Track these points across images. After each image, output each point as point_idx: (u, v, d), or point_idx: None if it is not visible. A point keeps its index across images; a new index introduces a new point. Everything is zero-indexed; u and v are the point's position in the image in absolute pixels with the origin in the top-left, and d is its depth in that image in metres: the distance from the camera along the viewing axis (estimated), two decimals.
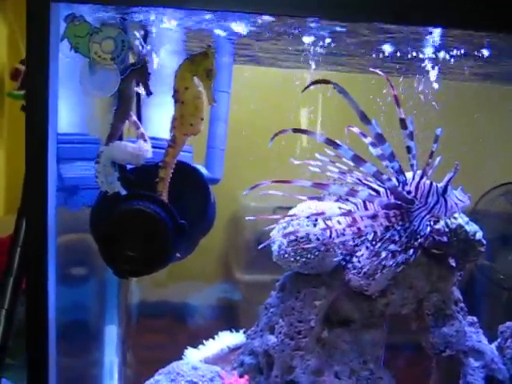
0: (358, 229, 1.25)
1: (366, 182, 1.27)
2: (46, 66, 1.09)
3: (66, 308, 1.72)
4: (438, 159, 1.27)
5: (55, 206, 1.28)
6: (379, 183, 1.25)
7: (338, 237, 1.27)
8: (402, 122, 1.21)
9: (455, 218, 1.46)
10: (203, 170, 1.77)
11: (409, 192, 1.26)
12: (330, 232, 1.28)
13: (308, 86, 1.10)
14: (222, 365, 1.63)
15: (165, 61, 1.60)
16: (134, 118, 1.25)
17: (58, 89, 1.33)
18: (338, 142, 1.16)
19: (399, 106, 1.19)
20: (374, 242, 1.25)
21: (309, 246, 1.34)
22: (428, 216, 1.27)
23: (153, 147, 1.67)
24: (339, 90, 1.08)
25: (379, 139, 1.19)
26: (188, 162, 1.72)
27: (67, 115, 1.61)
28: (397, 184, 1.26)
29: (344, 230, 1.26)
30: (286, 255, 1.45)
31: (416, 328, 1.52)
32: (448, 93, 1.66)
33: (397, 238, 1.24)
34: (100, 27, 1.11)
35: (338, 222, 1.27)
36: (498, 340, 1.57)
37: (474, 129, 1.94)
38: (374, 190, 1.27)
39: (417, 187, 1.26)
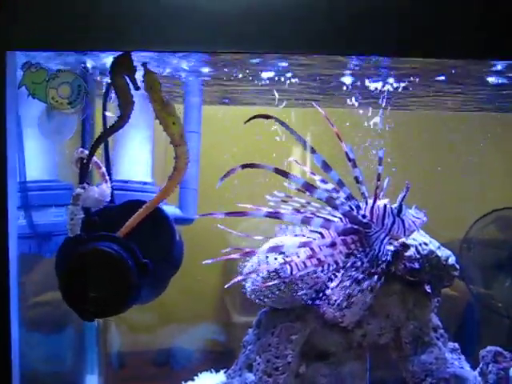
0: (319, 260, 1.25)
1: (321, 214, 1.28)
2: (3, 114, 1.10)
3: (40, 358, 1.71)
4: (386, 180, 1.28)
5: (17, 253, 1.29)
6: (333, 210, 1.26)
7: (299, 270, 1.27)
8: (346, 154, 1.23)
9: (426, 244, 1.46)
10: (176, 211, 1.79)
11: (364, 216, 1.27)
12: (291, 267, 1.27)
13: (249, 120, 1.11)
14: None
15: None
16: (95, 158, 1.26)
17: (21, 136, 1.37)
18: (286, 171, 1.16)
19: (341, 140, 1.21)
20: (335, 272, 1.25)
21: (270, 284, 1.34)
22: (387, 238, 1.27)
23: (126, 190, 1.70)
24: (281, 123, 1.10)
25: (325, 167, 1.20)
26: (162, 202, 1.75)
27: (38, 162, 1.64)
28: (348, 209, 1.26)
29: (304, 262, 1.25)
30: (258, 292, 1.44)
31: (396, 357, 1.49)
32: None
33: (359, 264, 1.24)
34: (56, 73, 1.14)
35: (298, 256, 1.26)
36: (480, 365, 1.54)
37: None
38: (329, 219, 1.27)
39: (371, 211, 1.27)
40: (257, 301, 1.49)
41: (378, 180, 1.25)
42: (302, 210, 1.28)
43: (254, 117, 1.09)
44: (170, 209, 1.77)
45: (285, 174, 1.16)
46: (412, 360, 1.45)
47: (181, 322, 2.06)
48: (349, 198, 1.25)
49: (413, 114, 1.98)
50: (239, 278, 1.25)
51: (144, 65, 1.11)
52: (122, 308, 1.13)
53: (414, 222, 1.27)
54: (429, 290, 1.50)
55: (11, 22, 1.10)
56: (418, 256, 1.44)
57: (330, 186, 1.27)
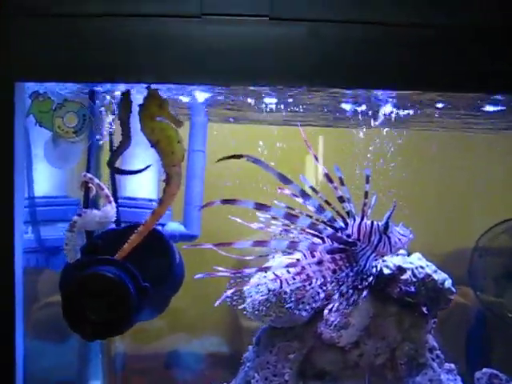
0: (307, 275, 1.28)
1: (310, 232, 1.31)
2: (12, 138, 1.15)
3: (46, 366, 1.76)
4: (373, 198, 1.31)
5: (26, 266, 1.34)
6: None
7: (288, 285, 1.30)
8: (327, 176, 1.27)
9: (423, 268, 1.49)
10: (181, 228, 1.83)
11: (348, 235, 1.29)
12: (280, 282, 1.30)
13: (221, 159, 1.13)
14: None
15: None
16: (97, 180, 1.31)
17: (30, 153, 1.42)
18: (267, 204, 1.19)
19: (319, 162, 1.26)
20: (324, 287, 1.28)
21: (262, 297, 1.37)
22: (373, 254, 1.30)
23: (132, 207, 1.74)
24: (253, 160, 1.13)
25: (304, 196, 1.23)
26: (167, 219, 1.80)
27: (47, 179, 1.68)
28: (333, 231, 1.29)
29: (294, 278, 1.28)
30: (257, 311, 1.47)
31: (391, 378, 1.52)
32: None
33: (345, 279, 1.27)
34: (63, 102, 1.18)
35: (288, 272, 1.30)
36: None
37: None
38: (320, 237, 1.31)
39: (359, 229, 1.30)
40: (256, 319, 1.52)
41: (366, 198, 1.28)
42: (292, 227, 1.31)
43: (226, 157, 1.12)
44: (175, 225, 1.82)
45: (265, 208, 1.18)
46: (407, 381, 1.48)
47: (190, 327, 2.09)
48: (331, 220, 1.28)
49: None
50: (228, 292, 1.28)
51: (148, 87, 1.15)
52: (122, 330, 1.17)
53: (400, 240, 1.30)
54: (426, 312, 1.52)
55: (20, 55, 1.14)
56: (414, 279, 1.46)
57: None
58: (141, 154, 1.72)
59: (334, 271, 1.29)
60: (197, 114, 1.80)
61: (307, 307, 1.40)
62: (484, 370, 1.58)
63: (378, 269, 1.37)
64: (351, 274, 1.27)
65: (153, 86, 1.19)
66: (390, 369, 1.52)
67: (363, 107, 1.52)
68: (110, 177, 1.50)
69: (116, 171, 1.29)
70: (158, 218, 1.21)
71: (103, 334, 1.17)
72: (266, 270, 1.29)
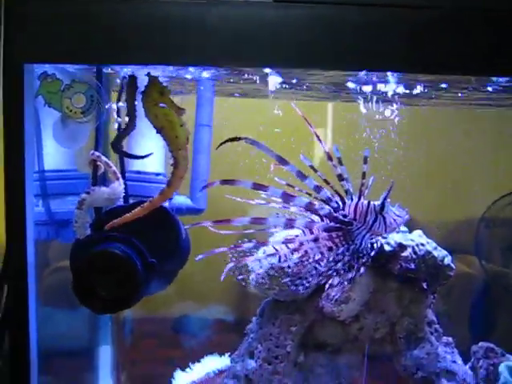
0: (305, 252, 1.31)
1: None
2: (22, 118, 1.19)
3: (57, 332, 1.82)
4: (371, 179, 1.33)
5: (37, 239, 1.39)
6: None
7: (286, 260, 1.33)
8: (327, 154, 1.29)
9: (423, 245, 1.52)
10: (187, 201, 1.87)
11: (345, 215, 1.32)
12: (279, 256, 1.34)
13: (220, 145, 1.15)
14: None
15: None
16: (105, 158, 1.34)
17: (40, 129, 1.45)
18: (265, 184, 1.21)
19: (320, 141, 1.27)
20: (320, 263, 1.31)
21: (263, 271, 1.41)
22: (368, 234, 1.33)
23: (139, 181, 1.78)
24: (251, 142, 1.14)
25: (300, 176, 1.25)
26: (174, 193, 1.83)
27: (57, 153, 1.72)
28: (329, 210, 1.31)
29: (292, 253, 1.31)
30: (260, 284, 1.51)
31: (391, 351, 1.57)
32: None
33: (341, 257, 1.30)
34: (71, 83, 1.21)
35: (287, 247, 1.32)
36: (472, 360, 1.61)
37: None
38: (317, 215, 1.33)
39: (355, 208, 1.32)
40: (260, 292, 1.57)
41: (363, 178, 1.31)
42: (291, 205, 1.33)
43: (225, 141, 1.14)
44: (181, 199, 1.86)
45: (263, 188, 1.21)
46: (405, 354, 1.53)
47: (198, 292, 2.15)
48: (327, 200, 1.30)
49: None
50: (228, 266, 1.30)
51: (148, 74, 1.17)
52: (130, 304, 1.22)
53: (395, 220, 1.32)
54: (425, 288, 1.56)
55: (28, 36, 1.16)
56: (414, 256, 1.50)
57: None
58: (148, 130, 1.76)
59: (331, 249, 1.32)
60: (202, 88, 1.82)
61: (304, 282, 1.43)
62: (480, 343, 1.62)
63: (378, 245, 1.39)
64: (347, 252, 1.30)
65: (153, 73, 1.21)
66: (389, 342, 1.57)
67: (369, 87, 1.53)
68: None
69: (120, 153, 1.32)
70: (165, 199, 1.25)
71: (112, 309, 1.22)
72: (263, 245, 1.31)
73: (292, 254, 1.31)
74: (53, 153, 1.68)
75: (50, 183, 1.70)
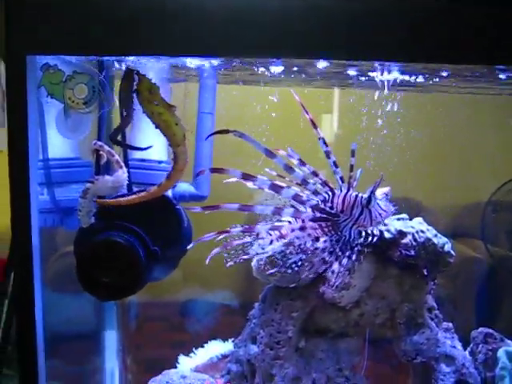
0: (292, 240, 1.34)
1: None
2: (25, 109, 1.20)
3: (63, 316, 1.86)
4: (359, 171, 1.34)
5: (43, 226, 1.41)
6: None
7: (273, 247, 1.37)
8: (322, 140, 1.30)
9: (423, 232, 1.54)
10: (190, 188, 1.89)
11: (331, 207, 1.34)
12: (271, 241, 1.36)
13: (210, 135, 1.17)
14: (212, 372, 1.74)
15: None
16: (107, 147, 1.36)
17: (44, 126, 1.47)
18: (253, 175, 1.23)
19: (316, 127, 1.28)
20: (308, 252, 1.34)
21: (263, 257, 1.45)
22: (354, 226, 1.35)
23: (142, 168, 1.80)
24: (239, 135, 1.16)
25: (287, 169, 1.27)
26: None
27: (61, 141, 1.73)
28: (316, 202, 1.33)
29: (277, 240, 1.34)
30: (264, 270, 1.54)
31: (391, 336, 1.59)
32: None
33: (329, 247, 1.33)
34: (72, 74, 1.22)
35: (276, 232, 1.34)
36: (471, 345, 1.64)
37: None
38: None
39: (343, 200, 1.34)
40: (262, 278, 1.59)
41: (351, 171, 1.32)
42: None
43: (213, 134, 1.15)
44: (184, 186, 1.87)
45: (252, 179, 1.23)
46: (405, 340, 1.55)
47: (205, 278, 2.18)
48: (314, 193, 1.33)
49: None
50: (217, 249, 1.30)
51: (138, 73, 1.19)
52: (132, 292, 1.24)
53: (380, 214, 1.33)
54: (425, 274, 1.58)
55: (31, 28, 1.18)
56: (414, 243, 1.51)
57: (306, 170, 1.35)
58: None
59: (317, 238, 1.34)
60: (205, 76, 1.82)
61: (289, 271, 1.45)
62: (480, 329, 1.64)
63: (366, 234, 1.40)
64: (336, 242, 1.32)
65: (151, 65, 1.21)
66: (390, 328, 1.59)
67: (369, 74, 1.54)
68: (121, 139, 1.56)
69: (119, 145, 1.33)
70: (163, 191, 1.26)
71: (116, 296, 1.25)
72: (250, 229, 1.32)
73: (277, 241, 1.32)
74: (56, 142, 1.70)
75: (54, 171, 1.71)
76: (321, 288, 1.56)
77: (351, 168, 1.33)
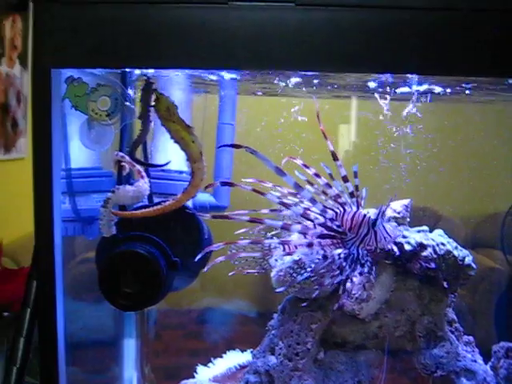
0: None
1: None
2: (49, 121, 1.23)
3: (85, 325, 1.88)
4: (364, 190, 1.35)
5: (64, 235, 1.43)
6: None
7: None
8: (333, 154, 1.30)
9: (443, 245, 1.53)
10: (211, 199, 1.90)
11: (338, 226, 1.34)
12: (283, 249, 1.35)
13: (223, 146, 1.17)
14: (230, 383, 1.74)
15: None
16: (129, 158, 1.37)
17: (66, 137, 1.49)
18: (263, 192, 1.25)
19: (327, 138, 1.28)
20: (317, 270, 1.34)
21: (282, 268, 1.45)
22: (361, 245, 1.34)
23: (163, 179, 1.81)
24: (251, 151, 1.17)
25: (297, 187, 1.27)
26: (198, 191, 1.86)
27: (83, 152, 1.76)
28: (324, 221, 1.33)
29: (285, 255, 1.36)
30: (283, 281, 1.54)
31: (410, 349, 1.58)
32: None
33: (337, 263, 1.33)
34: (96, 87, 1.24)
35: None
36: (492, 360, 1.62)
37: None
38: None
39: (352, 218, 1.33)
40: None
41: (357, 190, 1.33)
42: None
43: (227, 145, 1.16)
44: (205, 196, 1.89)
45: (261, 194, 1.24)
46: (424, 353, 1.54)
47: (222, 287, 2.18)
48: (322, 211, 1.33)
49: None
50: (221, 258, 1.29)
51: (155, 90, 1.20)
52: (153, 303, 1.25)
53: (385, 238, 1.33)
54: (446, 287, 1.57)
55: (55, 42, 1.20)
56: (434, 256, 1.50)
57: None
58: None
59: (325, 257, 1.34)
60: (226, 88, 1.84)
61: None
62: (501, 343, 1.62)
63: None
64: (344, 262, 1.33)
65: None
66: (409, 341, 1.58)
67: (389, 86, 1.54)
68: (142, 152, 1.58)
69: (137, 162, 1.35)
70: (178, 205, 1.28)
71: (137, 306, 1.26)
72: (258, 243, 1.32)
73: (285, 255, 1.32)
74: (78, 151, 1.72)
75: (76, 181, 1.74)
76: (340, 300, 1.55)
77: (356, 188, 1.33)
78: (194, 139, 1.23)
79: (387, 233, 1.33)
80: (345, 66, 1.23)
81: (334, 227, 1.34)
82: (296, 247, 1.32)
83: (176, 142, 1.24)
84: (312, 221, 1.33)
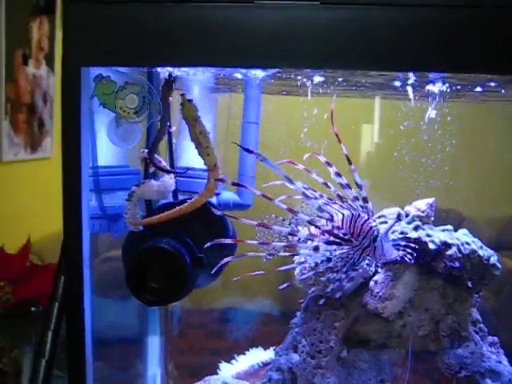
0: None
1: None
2: (78, 119, 1.25)
3: (110, 322, 1.90)
4: (370, 203, 1.37)
5: (90, 232, 1.46)
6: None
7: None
8: (346, 157, 1.31)
9: (468, 244, 1.52)
10: (235, 197, 1.92)
11: (345, 234, 1.36)
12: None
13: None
14: (253, 380, 1.75)
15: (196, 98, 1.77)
16: (155, 155, 1.40)
17: (94, 135, 1.52)
18: (271, 198, 1.29)
19: (341, 142, 1.29)
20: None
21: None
22: (363, 255, 1.37)
23: (188, 177, 1.83)
24: (261, 158, 1.22)
25: (306, 196, 1.30)
26: (222, 189, 1.88)
27: (110, 150, 1.79)
28: (331, 228, 1.36)
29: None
30: (306, 279, 1.55)
31: (434, 349, 1.58)
32: None
33: (338, 267, 1.38)
34: (124, 85, 1.26)
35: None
36: None
37: None
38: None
39: (362, 225, 1.36)
40: (304, 287, 1.60)
41: (366, 202, 1.36)
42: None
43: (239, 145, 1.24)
44: (229, 194, 1.90)
45: (269, 199, 1.28)
46: (448, 353, 1.53)
47: (245, 286, 2.20)
48: (329, 220, 1.37)
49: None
50: (225, 260, 1.32)
51: (183, 96, 1.22)
52: (178, 298, 1.27)
53: (380, 256, 1.35)
54: (470, 286, 1.56)
55: (85, 40, 1.22)
56: (459, 255, 1.50)
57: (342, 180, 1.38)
58: None
59: (328, 259, 1.38)
60: (250, 87, 1.85)
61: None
62: None
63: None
64: (343, 265, 1.37)
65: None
66: (433, 340, 1.57)
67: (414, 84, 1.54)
68: (167, 149, 1.60)
69: (155, 167, 1.37)
70: (193, 207, 1.29)
71: (163, 301, 1.28)
72: (266, 243, 1.35)
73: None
74: (106, 149, 1.75)
75: (103, 179, 1.76)
76: (364, 298, 1.56)
77: (365, 200, 1.35)
78: (209, 152, 1.25)
79: (383, 251, 1.35)
80: (369, 65, 1.23)
81: (341, 235, 1.37)
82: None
83: (196, 147, 1.26)
84: (319, 228, 1.36)
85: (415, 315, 1.54)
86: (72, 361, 1.34)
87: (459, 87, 1.61)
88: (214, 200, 1.74)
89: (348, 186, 1.38)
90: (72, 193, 1.33)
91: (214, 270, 1.28)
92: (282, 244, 1.36)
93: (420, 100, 1.76)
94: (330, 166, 1.39)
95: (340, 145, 1.30)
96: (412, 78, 1.45)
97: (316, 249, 1.36)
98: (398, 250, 1.39)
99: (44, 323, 1.40)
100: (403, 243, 1.42)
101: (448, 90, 1.62)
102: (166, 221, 1.33)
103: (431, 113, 1.74)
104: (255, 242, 1.35)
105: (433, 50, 1.21)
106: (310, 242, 1.37)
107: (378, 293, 1.54)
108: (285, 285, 1.46)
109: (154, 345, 2.04)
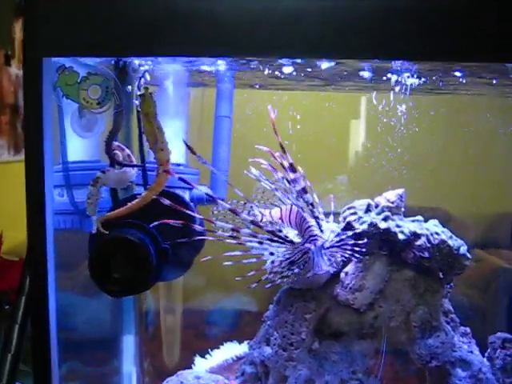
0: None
1: None
2: (41, 111, 1.24)
3: (80, 319, 1.89)
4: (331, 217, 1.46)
5: (63, 228, 1.45)
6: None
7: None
8: (291, 166, 1.34)
9: (438, 234, 1.52)
10: (208, 191, 1.91)
11: (286, 236, 1.42)
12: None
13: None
14: (227, 374, 1.74)
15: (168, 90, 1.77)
16: (117, 142, 1.39)
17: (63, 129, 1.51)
18: (238, 211, 1.37)
19: (285, 152, 1.31)
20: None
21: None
22: (301, 257, 1.41)
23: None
24: (202, 161, 1.29)
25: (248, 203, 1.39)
26: (195, 183, 1.87)
27: (81, 144, 1.77)
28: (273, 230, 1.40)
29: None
30: (277, 272, 1.54)
31: (405, 339, 1.58)
32: None
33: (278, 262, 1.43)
34: (87, 75, 1.25)
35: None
36: (488, 350, 1.61)
37: None
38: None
39: (307, 229, 1.41)
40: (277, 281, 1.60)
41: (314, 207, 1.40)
42: None
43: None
44: (203, 189, 1.89)
45: (236, 213, 1.36)
46: (419, 343, 1.53)
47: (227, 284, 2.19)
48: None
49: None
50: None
51: (146, 89, 1.22)
52: (143, 288, 1.26)
53: (314, 268, 1.38)
54: (441, 277, 1.56)
55: (46, 30, 1.22)
56: (428, 245, 1.50)
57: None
58: (171, 124, 1.80)
59: (271, 254, 1.42)
60: (222, 80, 1.85)
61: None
62: (498, 334, 1.61)
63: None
64: (284, 262, 1.42)
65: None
66: (404, 331, 1.57)
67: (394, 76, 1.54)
68: (138, 142, 1.59)
69: (109, 157, 1.37)
70: (144, 202, 1.29)
71: (127, 292, 1.27)
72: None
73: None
74: (76, 144, 1.74)
75: (74, 174, 1.75)
76: (335, 289, 1.56)
77: (313, 205, 1.40)
78: (163, 147, 1.24)
79: (319, 264, 1.38)
80: (344, 53, 1.23)
81: (283, 236, 1.41)
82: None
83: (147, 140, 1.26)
84: (261, 228, 1.39)
85: (386, 306, 1.54)
86: (37, 356, 1.32)
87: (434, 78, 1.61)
88: (186, 194, 1.74)
89: (305, 191, 1.39)
90: (35, 188, 1.32)
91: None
92: (230, 226, 1.38)
93: (396, 93, 1.75)
94: (275, 171, 1.41)
95: (286, 155, 1.33)
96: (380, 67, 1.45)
97: (260, 243, 1.39)
98: (346, 250, 1.40)
99: (11, 317, 1.39)
100: (351, 242, 1.42)
101: (422, 82, 1.62)
102: (127, 213, 1.32)
103: (413, 107, 1.74)
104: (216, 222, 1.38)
105: (408, 38, 1.20)
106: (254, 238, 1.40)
107: (348, 284, 1.54)
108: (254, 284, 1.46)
109: (128, 341, 2.03)
